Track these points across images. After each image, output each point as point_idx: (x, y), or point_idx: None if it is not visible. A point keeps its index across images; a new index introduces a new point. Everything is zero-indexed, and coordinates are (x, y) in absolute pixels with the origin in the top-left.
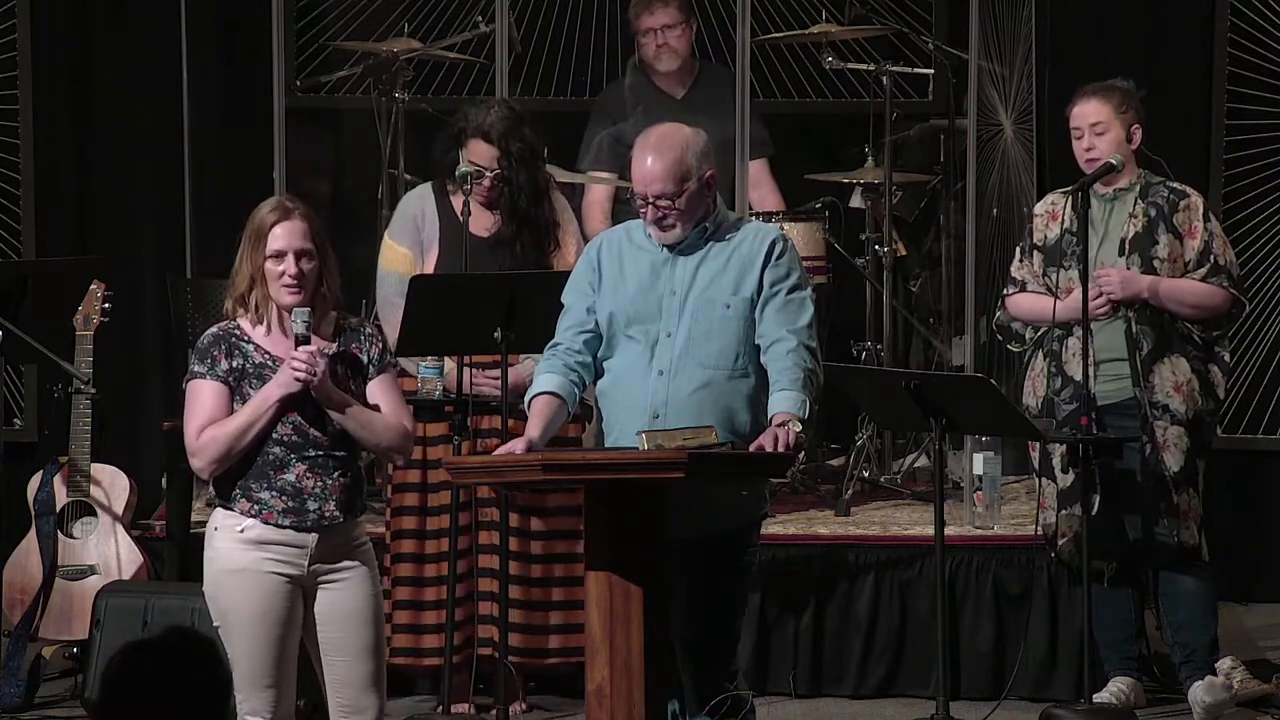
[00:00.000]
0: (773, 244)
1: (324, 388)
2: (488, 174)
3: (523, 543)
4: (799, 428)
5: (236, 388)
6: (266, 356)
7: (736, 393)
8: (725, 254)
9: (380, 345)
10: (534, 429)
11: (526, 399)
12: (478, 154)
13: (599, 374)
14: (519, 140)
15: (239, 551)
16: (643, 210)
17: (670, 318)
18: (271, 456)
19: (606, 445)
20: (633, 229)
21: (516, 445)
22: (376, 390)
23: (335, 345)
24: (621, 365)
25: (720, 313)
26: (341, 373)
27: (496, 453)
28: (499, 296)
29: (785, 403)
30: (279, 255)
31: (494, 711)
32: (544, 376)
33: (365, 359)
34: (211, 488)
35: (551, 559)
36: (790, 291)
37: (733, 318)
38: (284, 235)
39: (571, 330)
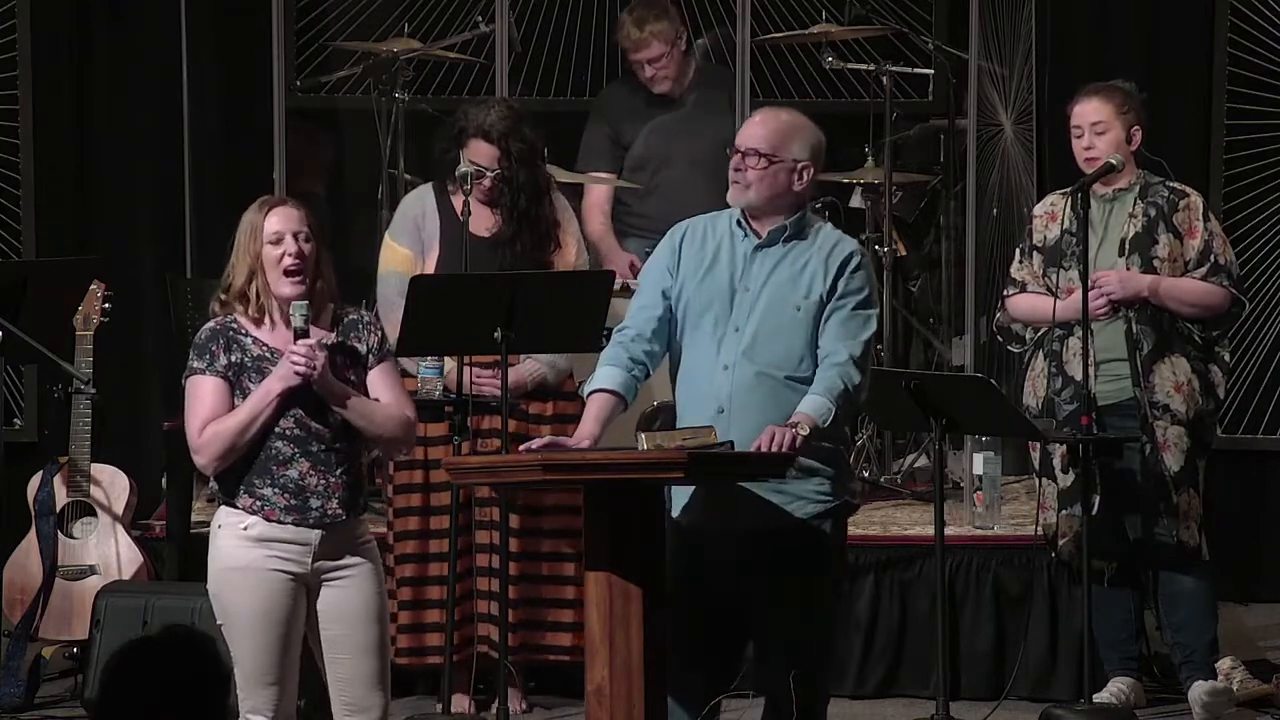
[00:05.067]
0: (850, 255)
1: (324, 380)
2: (488, 174)
3: (523, 542)
4: (806, 431)
5: (236, 382)
6: (265, 349)
7: (797, 393)
8: (804, 257)
9: (379, 335)
10: (596, 429)
11: (586, 391)
12: (478, 154)
13: (676, 359)
14: (519, 140)
15: (242, 549)
16: (732, 169)
17: (741, 313)
18: (274, 451)
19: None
20: (719, 219)
21: (581, 442)
22: (377, 380)
23: (334, 336)
24: (691, 356)
25: (790, 314)
26: (341, 364)
27: (535, 444)
28: (499, 296)
29: (807, 405)
30: (277, 239)
31: (494, 711)
32: (605, 370)
33: (364, 349)
34: (214, 484)
35: (553, 557)
36: (856, 307)
37: (802, 320)
38: (280, 219)
39: (644, 312)
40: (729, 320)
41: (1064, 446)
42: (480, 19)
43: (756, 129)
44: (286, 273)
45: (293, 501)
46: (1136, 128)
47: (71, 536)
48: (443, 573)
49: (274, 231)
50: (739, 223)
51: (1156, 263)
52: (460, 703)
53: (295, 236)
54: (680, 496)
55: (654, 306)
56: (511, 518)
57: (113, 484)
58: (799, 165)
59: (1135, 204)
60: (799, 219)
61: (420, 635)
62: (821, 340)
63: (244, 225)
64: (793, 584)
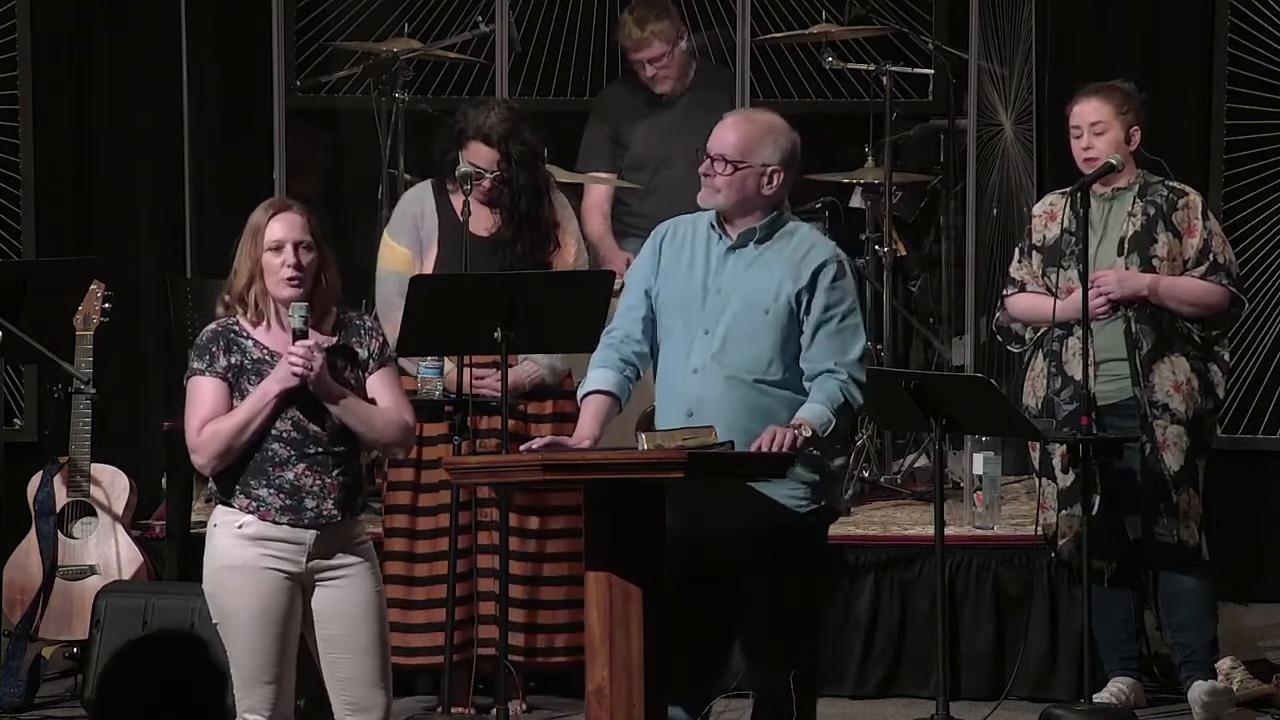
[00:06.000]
0: (824, 264)
1: (322, 382)
2: (488, 175)
3: (524, 542)
4: (809, 433)
5: (235, 384)
6: (265, 352)
7: (768, 396)
8: (777, 259)
9: (380, 339)
10: (595, 429)
11: (580, 394)
12: (478, 156)
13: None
14: (519, 142)
15: (238, 548)
16: (701, 172)
17: (711, 316)
18: (271, 453)
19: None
20: (700, 220)
21: (582, 442)
22: (376, 384)
23: (334, 339)
24: (664, 358)
25: (759, 318)
26: (341, 367)
27: (535, 444)
28: (499, 296)
29: (809, 411)
30: (278, 246)
31: (494, 711)
32: (598, 372)
33: (365, 353)
34: (213, 484)
35: (554, 558)
36: (844, 319)
37: (771, 323)
38: (282, 227)
39: (630, 313)
40: (699, 323)
41: (1064, 446)
42: (480, 19)
43: (726, 134)
44: (285, 281)
45: (288, 502)
46: (1136, 128)
47: (71, 536)
48: (431, 573)
49: (275, 239)
50: (712, 225)
51: (1155, 262)
52: (460, 704)
53: (296, 246)
54: None
55: (639, 307)
56: (514, 518)
57: (113, 484)
58: (768, 170)
59: (1134, 203)
60: (771, 221)
61: (405, 635)
62: (811, 354)
63: (249, 226)
64: (768, 585)
